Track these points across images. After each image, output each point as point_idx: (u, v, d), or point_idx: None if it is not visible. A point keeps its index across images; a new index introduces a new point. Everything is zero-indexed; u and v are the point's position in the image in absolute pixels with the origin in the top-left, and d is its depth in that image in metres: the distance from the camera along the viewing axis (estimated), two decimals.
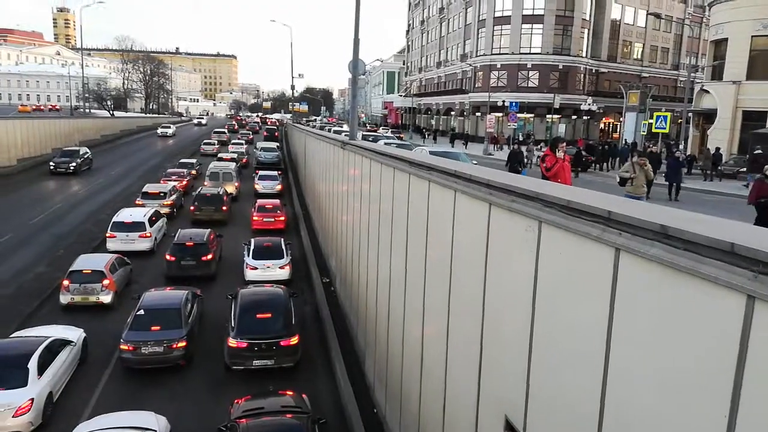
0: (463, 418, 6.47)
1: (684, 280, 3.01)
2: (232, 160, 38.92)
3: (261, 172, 34.27)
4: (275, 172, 34.89)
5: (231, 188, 29.62)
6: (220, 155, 43.21)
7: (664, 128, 30.98)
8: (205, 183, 30.03)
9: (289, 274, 17.88)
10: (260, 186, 31.78)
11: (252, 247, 18.28)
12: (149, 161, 45.64)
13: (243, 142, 55.46)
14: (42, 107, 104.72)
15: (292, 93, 68.46)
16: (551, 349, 4.54)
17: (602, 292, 3.74)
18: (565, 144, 10.59)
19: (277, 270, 17.67)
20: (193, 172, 36.03)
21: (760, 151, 28.14)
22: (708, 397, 2.87)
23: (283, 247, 18.56)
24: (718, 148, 29.73)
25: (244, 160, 43.46)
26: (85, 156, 38.96)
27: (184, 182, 31.62)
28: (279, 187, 32.19)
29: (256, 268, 17.58)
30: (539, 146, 35.86)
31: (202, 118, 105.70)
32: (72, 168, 36.37)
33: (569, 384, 4.25)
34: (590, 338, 3.88)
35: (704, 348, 2.92)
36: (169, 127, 70.40)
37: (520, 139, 48.62)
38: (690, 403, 3.02)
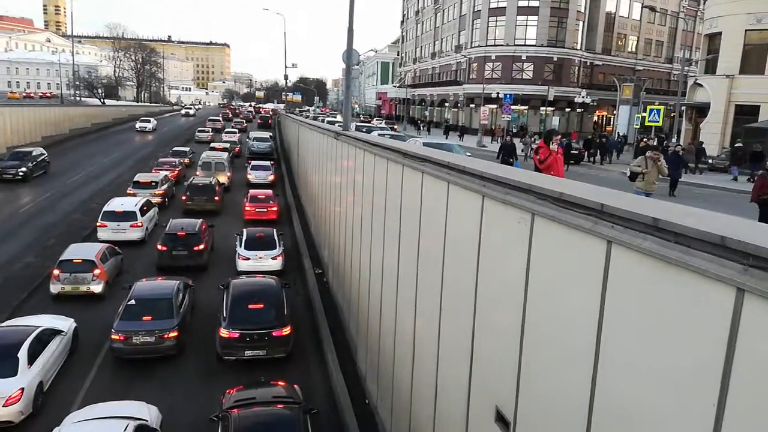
0: (454, 409, 6.50)
1: (675, 273, 3.02)
2: (224, 149, 38.65)
3: (253, 162, 34.10)
4: (268, 162, 34.73)
5: (223, 178, 29.47)
6: (212, 144, 42.88)
7: (657, 121, 31.17)
8: (197, 173, 29.86)
9: (281, 265, 17.85)
10: (253, 176, 31.65)
11: (244, 238, 18.22)
12: (140, 151, 45.30)
13: (236, 131, 55.25)
14: (32, 94, 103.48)
15: (286, 83, 67.82)
16: (542, 340, 4.55)
17: (594, 284, 3.75)
18: (559, 136, 10.59)
19: (270, 260, 17.63)
20: (186, 160, 35.75)
21: (740, 145, 28.55)
22: (697, 388, 2.89)
23: (276, 237, 18.51)
24: (701, 142, 29.96)
25: (236, 150, 43.24)
26: (40, 159, 32.62)
27: (176, 172, 31.38)
28: (272, 177, 32.06)
29: (248, 259, 17.54)
30: (533, 138, 35.90)
31: (191, 108, 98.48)
32: (21, 174, 29.77)
33: (560, 376, 4.27)
34: (581, 330, 3.89)
35: (694, 340, 2.93)
36: (149, 121, 62.00)
37: (514, 131, 48.66)
38: (678, 394, 3.04)
